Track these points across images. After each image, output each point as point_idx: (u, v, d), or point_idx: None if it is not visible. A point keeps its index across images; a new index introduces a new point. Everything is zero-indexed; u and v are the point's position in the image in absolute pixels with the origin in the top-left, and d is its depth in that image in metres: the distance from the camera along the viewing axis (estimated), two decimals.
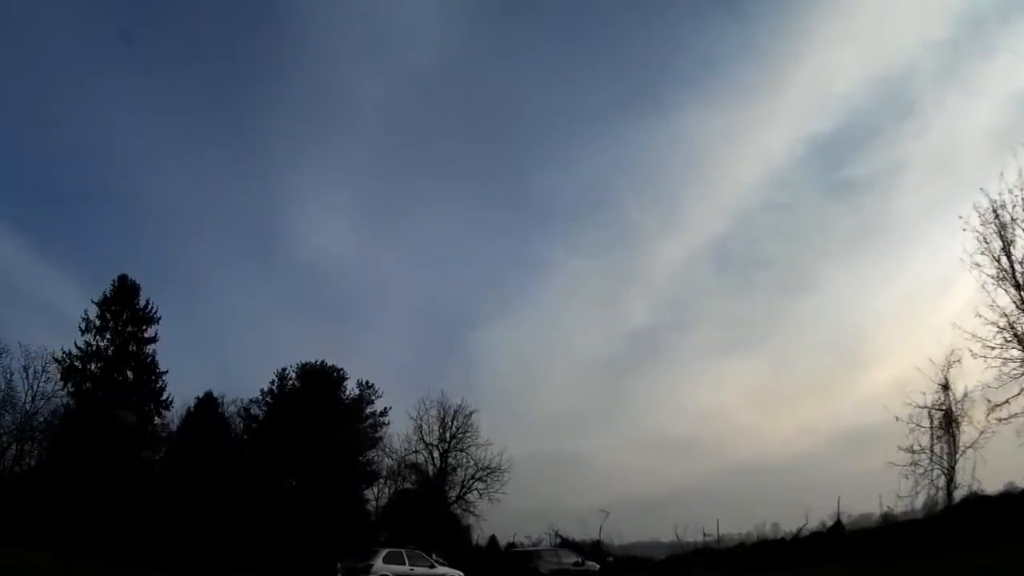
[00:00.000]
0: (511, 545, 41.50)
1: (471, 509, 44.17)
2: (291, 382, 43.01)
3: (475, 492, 44.29)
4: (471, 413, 45.50)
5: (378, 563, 26.89)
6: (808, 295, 74.22)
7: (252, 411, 42.13)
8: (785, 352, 68.46)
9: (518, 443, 54.87)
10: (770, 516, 44.19)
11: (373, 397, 44.67)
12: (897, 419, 26.49)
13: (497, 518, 44.39)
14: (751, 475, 52.85)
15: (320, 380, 42.69)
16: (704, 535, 40.94)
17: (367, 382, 44.71)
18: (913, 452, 26.66)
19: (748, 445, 61.01)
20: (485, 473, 44.14)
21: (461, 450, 44.94)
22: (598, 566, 31.84)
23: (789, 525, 37.85)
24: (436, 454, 44.51)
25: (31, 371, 36.35)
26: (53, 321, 60.54)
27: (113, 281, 40.33)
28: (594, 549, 40.04)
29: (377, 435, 43.88)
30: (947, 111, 73.93)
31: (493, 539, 43.74)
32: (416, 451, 43.80)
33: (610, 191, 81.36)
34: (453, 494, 44.22)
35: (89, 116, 70.66)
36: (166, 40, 72.46)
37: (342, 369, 43.85)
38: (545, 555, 31.69)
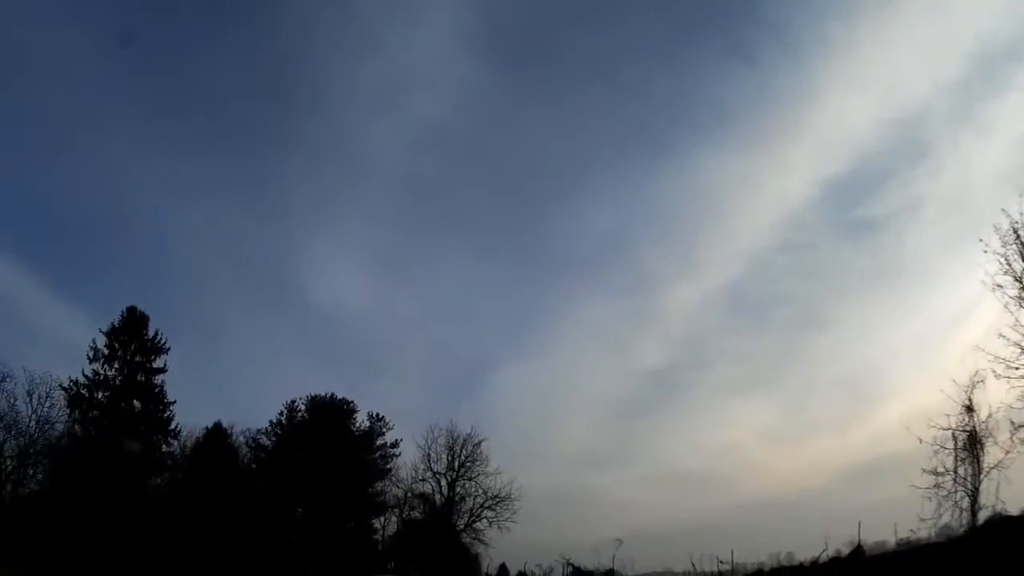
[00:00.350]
0: (521, 574, 41.07)
1: (480, 538, 43.69)
2: (300, 414, 42.68)
3: (484, 520, 43.80)
4: (480, 442, 45.25)
5: None
6: (824, 333, 75.91)
7: (261, 441, 41.58)
8: (800, 389, 70.22)
9: (533, 478, 57.64)
10: (784, 547, 42.04)
11: (384, 429, 44.51)
12: (921, 441, 24.89)
13: (509, 548, 43.95)
14: (764, 509, 53.62)
15: (329, 412, 42.40)
16: (720, 563, 40.67)
17: (377, 415, 44.64)
18: (937, 474, 25.00)
19: (761, 480, 62.28)
20: (494, 502, 43.74)
21: (470, 479, 44.52)
22: None
23: (803, 555, 36.87)
24: (444, 483, 44.03)
25: (35, 396, 35.90)
26: (60, 351, 60.78)
27: (122, 311, 40.16)
28: None
29: (387, 467, 43.55)
30: (960, 151, 75.01)
31: (503, 568, 43.16)
32: (423, 479, 43.31)
33: (626, 237, 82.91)
34: (462, 523, 43.55)
35: (105, 156, 70.23)
36: (188, 94, 72.57)
37: (352, 402, 43.75)
38: None
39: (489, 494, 43.69)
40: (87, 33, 68.15)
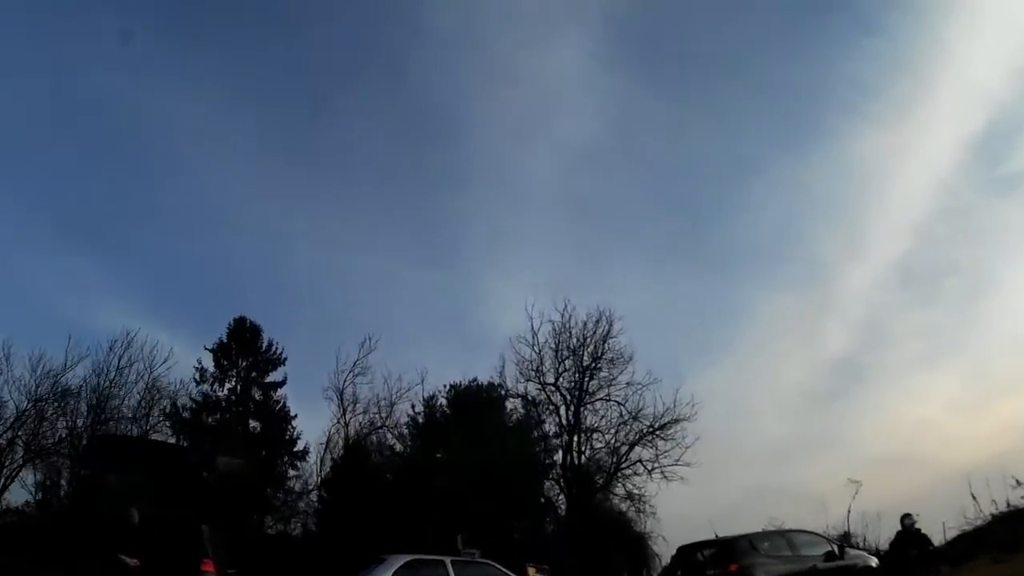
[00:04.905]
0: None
1: (637, 502, 30.43)
2: (440, 409, 34.95)
3: (639, 466, 30.10)
4: (611, 324, 31.58)
5: None
6: (993, 295, 69.16)
7: (395, 448, 34.27)
8: (979, 355, 63.33)
9: (731, 482, 50.38)
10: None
11: (541, 416, 34.24)
12: None
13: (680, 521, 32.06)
14: (961, 481, 44.77)
15: (473, 402, 34.30)
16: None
17: (533, 399, 34.34)
18: None
19: (953, 452, 55.47)
20: (652, 430, 30.03)
21: (606, 399, 30.88)
22: (875, 560, 18.11)
23: None
24: (562, 407, 30.99)
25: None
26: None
27: (229, 324, 35.39)
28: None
29: (550, 461, 33.89)
30: None
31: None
32: (521, 394, 31.02)
33: (794, 228, 77.39)
34: (600, 477, 30.66)
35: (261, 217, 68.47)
36: (342, 145, 70.98)
37: (500, 385, 34.75)
38: (761, 544, 16.59)
39: (641, 417, 30.35)
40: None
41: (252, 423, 33.74)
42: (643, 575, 29.95)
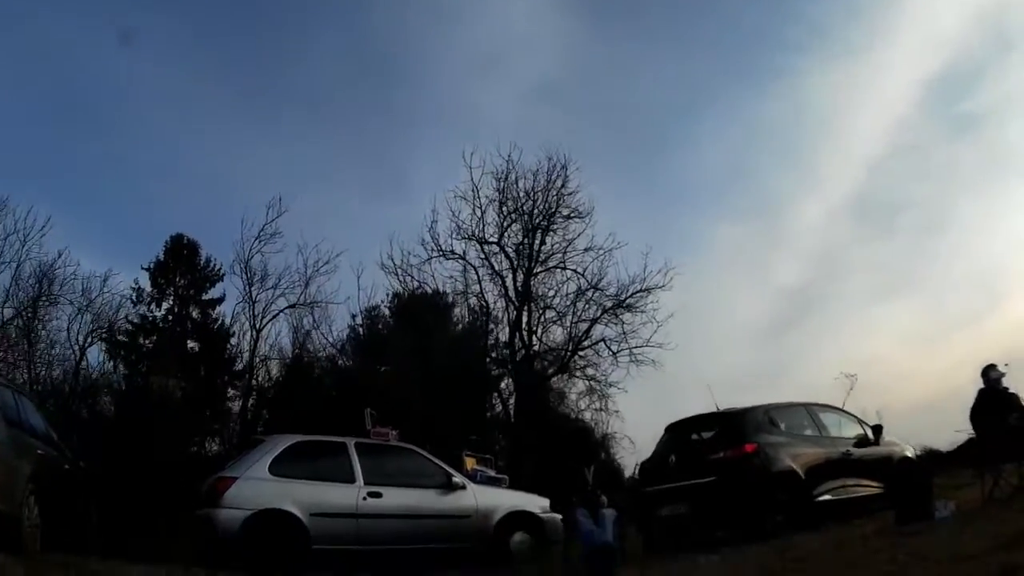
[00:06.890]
0: None
1: (599, 388, 26.31)
2: (383, 320, 32.89)
3: (601, 347, 25.89)
4: (567, 173, 27.19)
5: (251, 477, 11.26)
6: (947, 232, 71.34)
7: (338, 362, 32.42)
8: (933, 291, 67.22)
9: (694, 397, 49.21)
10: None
11: (491, 325, 31.00)
12: None
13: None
14: (920, 414, 50.93)
15: (419, 311, 32.00)
16: None
17: (482, 307, 30.90)
18: None
19: (911, 386, 58.89)
20: (619, 303, 25.44)
21: (561, 267, 26.38)
22: (911, 448, 15.81)
23: None
24: (509, 273, 26.78)
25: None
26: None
27: (166, 241, 33.71)
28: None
29: (497, 372, 31.36)
30: None
31: None
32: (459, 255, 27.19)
33: (748, 161, 75.92)
34: (549, 361, 26.22)
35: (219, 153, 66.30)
36: (290, 86, 68.05)
37: (447, 294, 32.38)
38: (780, 419, 13.72)
39: (603, 287, 25.88)
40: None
41: (190, 344, 32.27)
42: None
